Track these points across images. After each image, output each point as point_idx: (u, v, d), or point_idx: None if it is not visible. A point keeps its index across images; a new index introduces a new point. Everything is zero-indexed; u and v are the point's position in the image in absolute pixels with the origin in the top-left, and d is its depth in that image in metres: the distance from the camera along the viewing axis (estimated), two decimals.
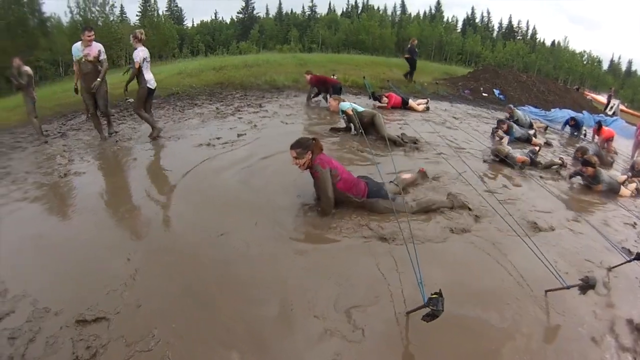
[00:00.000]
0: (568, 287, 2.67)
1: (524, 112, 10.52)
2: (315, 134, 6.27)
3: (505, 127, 7.78)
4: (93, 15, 37.54)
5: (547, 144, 8.11)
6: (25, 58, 7.52)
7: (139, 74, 6.00)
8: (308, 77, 9.79)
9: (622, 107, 19.04)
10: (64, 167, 5.23)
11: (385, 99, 9.67)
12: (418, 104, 9.91)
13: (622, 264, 3.31)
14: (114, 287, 2.70)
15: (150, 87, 6.14)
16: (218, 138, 6.20)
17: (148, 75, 6.07)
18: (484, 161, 6.04)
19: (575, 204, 4.94)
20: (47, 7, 40.57)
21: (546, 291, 2.82)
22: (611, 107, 17.91)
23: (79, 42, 5.84)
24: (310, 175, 3.78)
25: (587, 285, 2.63)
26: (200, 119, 7.74)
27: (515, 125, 8.04)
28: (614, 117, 14.76)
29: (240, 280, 2.79)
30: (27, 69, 7.00)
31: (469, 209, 4.00)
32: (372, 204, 3.75)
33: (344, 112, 6.66)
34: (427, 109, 9.95)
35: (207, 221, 3.60)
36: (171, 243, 3.28)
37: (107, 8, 38.56)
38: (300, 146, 3.58)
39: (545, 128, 10.08)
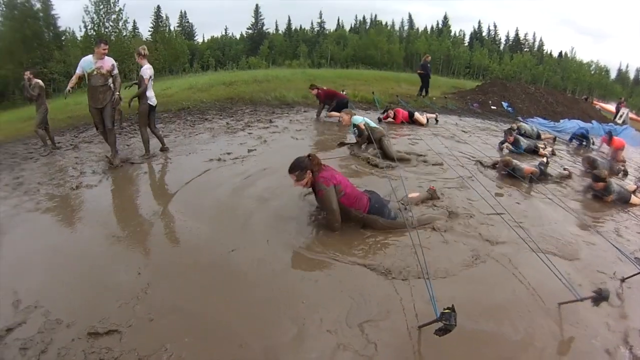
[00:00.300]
0: (581, 300, 2.65)
1: (531, 124, 10.49)
2: (326, 149, 6.31)
3: (511, 139, 7.74)
4: (107, 30, 38.34)
5: (553, 154, 8.04)
6: (36, 71, 7.68)
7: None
8: (314, 91, 9.75)
9: (631, 114, 18.85)
10: (76, 179, 5.31)
11: (392, 113, 9.66)
12: (427, 117, 9.91)
13: (635, 274, 3.27)
14: (125, 300, 2.72)
15: (152, 104, 6.20)
16: (228, 153, 6.25)
17: (150, 93, 6.14)
18: (493, 171, 6.02)
19: (586, 214, 4.89)
20: (62, 21, 42.00)
21: (559, 304, 2.79)
22: (620, 116, 17.78)
23: (90, 56, 5.74)
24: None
25: (600, 298, 2.61)
26: (211, 133, 7.82)
27: (521, 138, 8.00)
28: (624, 126, 14.62)
29: (252, 297, 2.79)
30: (38, 81, 7.21)
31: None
32: (372, 221, 3.72)
33: (356, 125, 6.61)
34: (436, 121, 9.96)
35: (218, 237, 3.62)
36: (182, 258, 3.29)
37: (120, 23, 39.36)
38: (298, 168, 3.60)
39: (554, 139, 10.00)
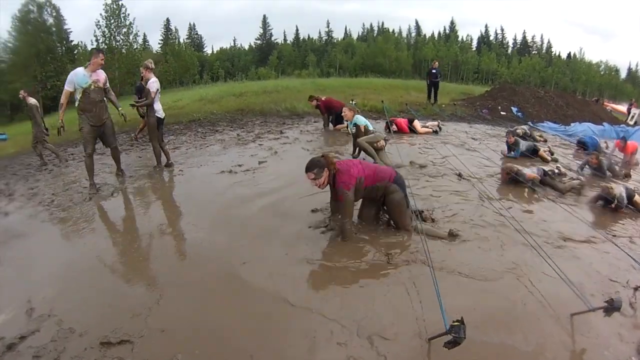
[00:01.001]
0: (593, 310, 2.61)
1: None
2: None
3: (512, 139, 7.69)
4: (117, 43, 39.07)
5: (554, 160, 7.71)
6: (29, 90, 8.17)
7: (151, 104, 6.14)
8: (314, 102, 9.66)
9: None
10: (89, 190, 5.41)
11: (394, 127, 9.48)
12: (423, 127, 9.72)
13: None
14: (138, 311, 2.75)
15: (160, 116, 6.26)
16: (240, 165, 6.32)
17: (157, 106, 6.20)
18: (499, 179, 5.95)
19: (598, 221, 4.82)
20: (74, 35, 43.14)
21: (572, 315, 2.75)
22: (632, 117, 17.56)
23: (80, 69, 5.33)
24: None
25: (612, 308, 2.56)
26: (222, 145, 7.92)
27: (521, 141, 7.89)
28: (636, 127, 14.36)
29: (263, 309, 2.80)
30: (33, 101, 7.59)
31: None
32: (393, 191, 3.78)
33: (356, 125, 6.50)
34: (436, 131, 9.72)
35: (230, 249, 3.65)
36: (194, 270, 3.33)
37: (131, 37, 40.09)
38: (315, 167, 3.61)
39: (545, 141, 9.87)
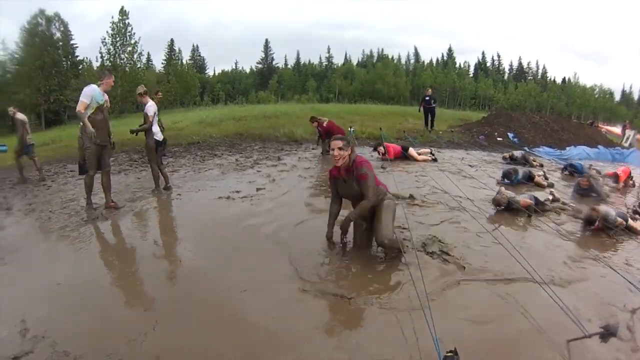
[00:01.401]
0: (589, 336, 2.61)
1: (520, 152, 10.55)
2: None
3: (513, 176, 7.54)
4: (122, 61, 39.74)
5: (550, 185, 7.67)
6: (18, 107, 8.26)
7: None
8: (315, 124, 9.65)
9: (638, 136, 18.80)
10: (87, 210, 5.45)
11: (382, 149, 9.40)
12: (419, 154, 9.72)
13: None
14: (133, 336, 2.74)
15: (157, 139, 6.35)
16: (237, 191, 6.33)
17: (155, 128, 6.32)
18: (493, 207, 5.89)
19: (592, 244, 4.78)
20: (80, 51, 44.18)
21: (568, 341, 2.72)
22: (627, 139, 17.75)
23: (95, 86, 5.35)
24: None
25: (608, 333, 2.57)
26: (220, 170, 7.99)
27: (517, 169, 7.90)
28: (631, 149, 14.52)
29: (260, 338, 2.78)
30: (20, 117, 7.75)
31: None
32: (390, 198, 3.92)
33: None
34: (434, 160, 9.66)
35: (229, 276, 3.62)
36: (191, 296, 3.32)
37: (135, 56, 40.79)
38: (344, 140, 3.73)
39: (541, 165, 9.87)
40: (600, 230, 5.08)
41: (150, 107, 6.19)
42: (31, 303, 3.18)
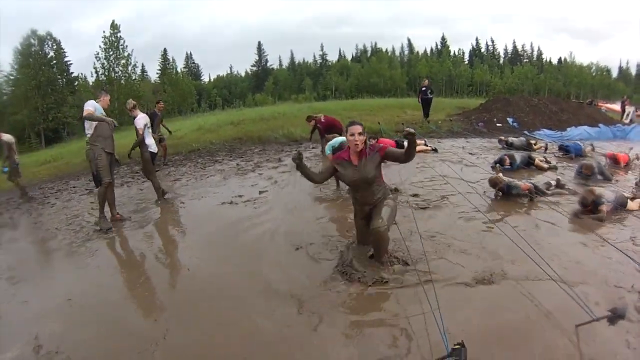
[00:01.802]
0: (597, 320, 2.61)
1: (519, 138, 10.48)
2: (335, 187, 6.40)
3: (507, 161, 7.49)
4: (116, 74, 39.78)
5: (552, 168, 7.63)
6: (3, 129, 8.49)
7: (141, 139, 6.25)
8: (312, 122, 9.33)
9: (638, 112, 18.69)
10: (92, 225, 5.50)
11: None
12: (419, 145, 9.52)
13: None
14: (144, 347, 2.76)
15: (152, 151, 6.39)
16: (240, 196, 6.36)
17: (149, 140, 6.33)
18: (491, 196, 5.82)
19: (597, 227, 4.70)
20: (74, 67, 44.07)
21: (576, 325, 2.72)
22: (627, 115, 17.66)
23: (95, 101, 5.42)
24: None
25: (616, 316, 2.57)
26: (222, 175, 8.02)
27: (514, 155, 7.81)
28: (632, 125, 14.42)
29: (267, 344, 2.80)
30: (7, 138, 7.76)
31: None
32: (393, 198, 3.83)
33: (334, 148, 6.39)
34: (434, 150, 9.64)
35: (237, 284, 3.62)
36: (200, 304, 3.33)
37: (129, 68, 40.82)
38: (361, 124, 3.70)
39: (545, 148, 9.82)
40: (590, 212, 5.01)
41: (140, 119, 6.20)
42: (43, 320, 3.23)
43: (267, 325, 2.99)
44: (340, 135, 8.40)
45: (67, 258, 4.54)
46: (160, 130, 9.52)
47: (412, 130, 3.25)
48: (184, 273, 3.97)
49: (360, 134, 3.60)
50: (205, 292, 3.55)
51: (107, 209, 5.50)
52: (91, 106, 5.24)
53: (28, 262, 4.49)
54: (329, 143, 6.61)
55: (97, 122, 5.24)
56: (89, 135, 5.29)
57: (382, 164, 3.69)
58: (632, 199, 5.31)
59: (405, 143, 3.45)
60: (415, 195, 5.90)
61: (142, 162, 6.47)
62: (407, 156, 3.51)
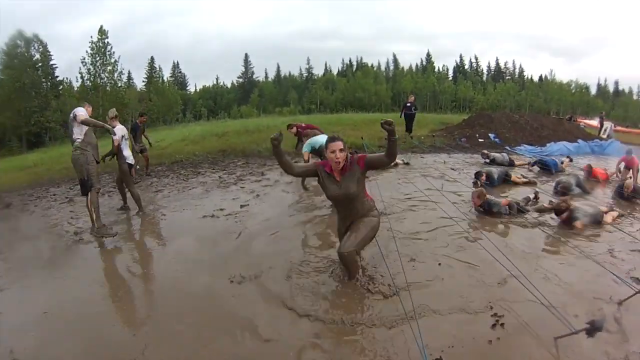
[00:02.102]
0: (576, 332, 2.64)
1: (502, 154, 10.62)
2: (316, 204, 6.40)
3: (484, 177, 7.52)
4: (102, 81, 39.19)
5: (531, 183, 7.78)
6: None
7: (118, 150, 6.21)
8: (293, 130, 9.36)
9: (615, 127, 19.29)
10: (71, 235, 5.41)
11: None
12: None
13: (631, 296, 3.20)
14: None
15: (130, 162, 6.36)
16: (221, 209, 6.32)
17: (127, 152, 6.31)
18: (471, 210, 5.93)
19: (575, 239, 4.78)
20: (59, 71, 43.43)
21: (555, 338, 2.73)
22: (605, 130, 18.16)
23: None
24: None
25: (593, 329, 2.59)
26: (204, 187, 7.97)
27: (492, 169, 7.90)
28: (609, 140, 14.91)
29: (249, 356, 2.77)
30: None
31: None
32: (376, 215, 3.69)
33: (313, 150, 6.53)
34: (407, 163, 9.91)
35: (219, 298, 3.58)
36: (180, 319, 3.27)
37: (115, 75, 40.32)
38: (342, 140, 3.46)
39: (529, 164, 9.86)
40: (567, 222, 5.16)
41: (117, 130, 6.13)
42: (19, 333, 3.14)
43: (250, 336, 2.97)
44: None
45: (44, 269, 4.43)
46: (142, 141, 9.53)
47: (389, 120, 3.06)
48: (163, 286, 3.91)
49: (341, 150, 3.37)
50: (186, 306, 3.50)
51: (85, 219, 5.37)
52: (82, 111, 5.14)
53: (2, 273, 4.35)
54: (307, 141, 6.60)
55: (87, 128, 5.13)
56: (79, 141, 5.11)
57: (365, 177, 3.55)
58: (607, 212, 5.46)
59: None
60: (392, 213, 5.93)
61: (120, 173, 6.43)
62: (389, 156, 3.31)
